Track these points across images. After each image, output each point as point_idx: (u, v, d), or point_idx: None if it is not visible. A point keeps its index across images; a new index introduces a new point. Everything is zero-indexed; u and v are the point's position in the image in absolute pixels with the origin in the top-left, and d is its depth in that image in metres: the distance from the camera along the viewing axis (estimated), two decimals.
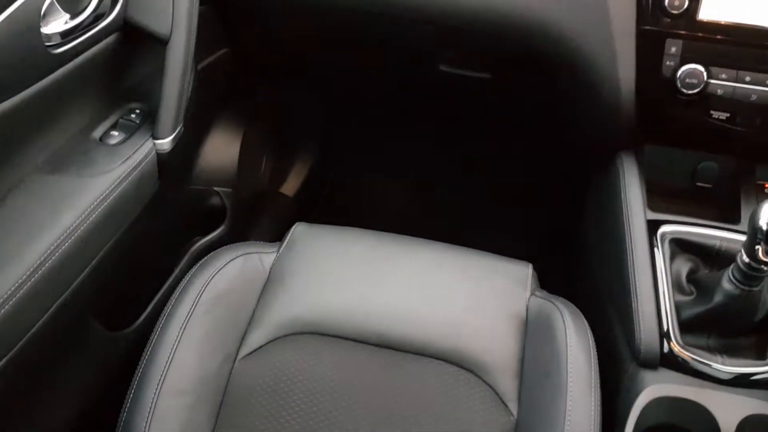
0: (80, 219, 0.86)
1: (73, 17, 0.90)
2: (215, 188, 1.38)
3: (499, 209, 1.70)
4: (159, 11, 0.98)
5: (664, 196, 1.13)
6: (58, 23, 0.87)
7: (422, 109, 1.54)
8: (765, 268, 0.88)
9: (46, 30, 0.85)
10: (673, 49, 1.00)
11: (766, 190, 1.11)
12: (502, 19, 1.07)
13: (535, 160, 1.60)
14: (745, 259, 0.88)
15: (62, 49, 0.87)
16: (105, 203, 0.90)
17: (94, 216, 0.88)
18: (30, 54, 0.82)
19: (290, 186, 1.72)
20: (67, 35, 0.88)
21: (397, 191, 1.76)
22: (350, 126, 1.72)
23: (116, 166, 0.95)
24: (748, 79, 0.99)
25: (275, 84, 1.52)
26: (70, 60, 0.90)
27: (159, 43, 0.99)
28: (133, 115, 1.05)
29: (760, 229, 0.83)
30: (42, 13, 0.83)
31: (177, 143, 1.04)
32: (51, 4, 0.86)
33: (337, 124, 1.70)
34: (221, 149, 1.38)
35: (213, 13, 1.15)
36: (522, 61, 1.15)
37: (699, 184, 1.15)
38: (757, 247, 0.85)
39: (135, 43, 1.02)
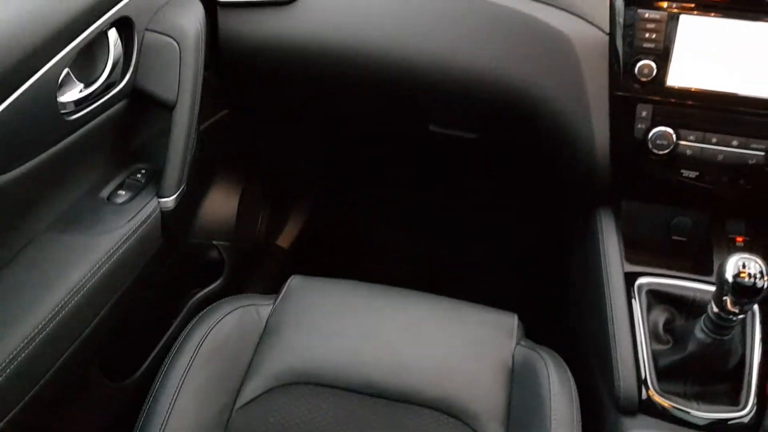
0: (89, 275, 0.91)
1: (86, 86, 0.97)
2: (214, 242, 1.44)
3: (488, 260, 1.76)
4: (166, 79, 1.05)
5: (642, 249, 1.19)
6: (73, 92, 0.94)
7: (414, 164, 1.61)
8: (734, 318, 0.93)
9: (61, 99, 0.92)
10: (644, 113, 1.08)
11: (737, 244, 1.18)
12: (489, 86, 1.15)
13: (520, 215, 1.67)
14: (715, 309, 0.94)
15: (76, 116, 0.94)
16: (112, 259, 0.96)
17: (102, 272, 0.93)
18: (46, 122, 0.89)
19: (286, 238, 1.78)
20: (80, 103, 0.95)
21: (390, 243, 1.82)
22: (345, 179, 1.79)
23: (122, 224, 1.00)
24: (714, 140, 1.07)
25: (273, 140, 1.59)
26: (82, 126, 0.96)
27: (165, 109, 1.06)
28: (138, 175, 1.11)
29: (726, 281, 0.89)
30: (59, 83, 0.90)
31: (180, 201, 1.10)
32: (67, 75, 0.93)
33: (332, 178, 1.77)
34: (221, 204, 1.44)
35: (215, 78, 1.22)
36: (506, 123, 1.23)
37: (674, 237, 1.21)
38: (724, 298, 0.91)
39: (142, 107, 1.09)
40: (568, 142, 1.14)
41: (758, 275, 0.89)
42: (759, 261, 0.90)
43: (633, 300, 1.09)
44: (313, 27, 1.17)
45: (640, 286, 1.11)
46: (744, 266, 0.89)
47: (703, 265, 1.15)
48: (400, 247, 1.80)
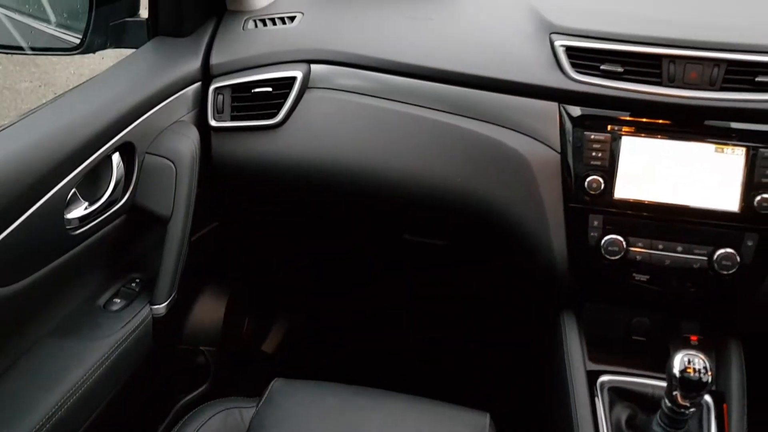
0: (83, 379, 0.98)
1: (90, 204, 1.07)
2: (201, 347, 1.50)
3: (462, 359, 1.82)
4: (163, 196, 1.16)
5: (604, 349, 1.26)
6: (78, 210, 1.05)
7: (389, 269, 1.71)
8: (686, 412, 1.00)
9: (68, 215, 1.02)
10: (596, 223, 1.19)
11: (692, 342, 1.26)
12: (457, 200, 1.26)
13: (490, 316, 1.75)
14: (668, 404, 1.01)
15: (79, 231, 1.04)
16: (105, 364, 1.03)
17: (95, 377, 1.00)
18: (53, 237, 0.98)
19: (271, 343, 1.84)
20: (84, 219, 1.05)
21: (370, 343, 1.88)
22: (326, 285, 1.87)
23: (116, 330, 1.08)
24: (660, 247, 1.17)
25: (259, 250, 1.69)
26: (85, 239, 1.06)
27: (161, 223, 1.16)
28: (133, 284, 1.20)
29: (674, 376, 0.97)
30: (66, 201, 1.01)
31: (171, 308, 1.18)
32: (73, 194, 1.03)
33: (313, 284, 1.85)
34: (208, 311, 1.51)
35: (207, 194, 1.33)
36: (473, 233, 1.33)
37: (634, 337, 1.29)
38: (674, 393, 0.99)
39: (140, 221, 1.19)
40: (530, 250, 1.24)
41: (702, 370, 0.97)
42: (702, 357, 0.98)
43: (596, 398, 1.16)
44: (298, 148, 1.30)
45: (602, 384, 1.18)
46: (689, 362, 0.97)
47: (660, 363, 1.21)
48: (380, 347, 1.87)
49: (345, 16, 1.38)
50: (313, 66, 1.30)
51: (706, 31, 1.18)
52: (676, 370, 0.97)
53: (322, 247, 1.64)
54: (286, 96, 1.28)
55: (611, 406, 1.16)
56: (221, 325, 1.53)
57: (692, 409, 1.00)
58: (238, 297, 1.63)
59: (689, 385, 0.97)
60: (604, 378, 1.19)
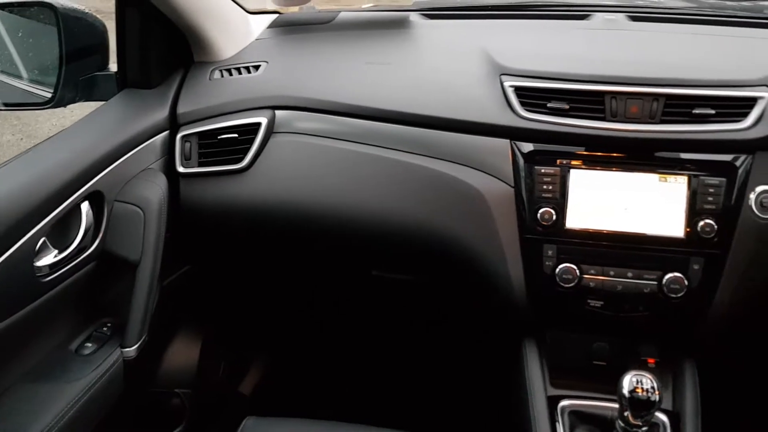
0: (56, 421, 1.00)
1: (60, 251, 1.11)
2: (176, 390, 1.52)
3: (431, 389, 1.85)
4: (132, 242, 1.20)
5: (566, 374, 1.30)
6: (48, 257, 1.08)
7: (360, 306, 1.75)
8: (639, 431, 1.04)
9: (38, 263, 1.05)
10: (550, 252, 1.24)
11: (649, 365, 1.30)
12: (420, 235, 1.31)
13: (456, 347, 1.79)
14: (621, 424, 1.05)
15: (49, 278, 1.07)
16: (75, 407, 1.05)
17: (68, 418, 1.02)
18: (23, 285, 1.02)
19: (248, 384, 1.86)
20: (54, 266, 1.09)
21: (345, 379, 1.91)
22: (300, 325, 1.90)
23: (88, 373, 1.11)
24: (612, 273, 1.22)
25: (232, 292, 1.72)
26: (56, 286, 1.09)
27: (130, 268, 1.20)
28: (105, 328, 1.23)
29: (623, 396, 1.01)
30: (36, 250, 1.04)
31: (142, 350, 1.21)
32: (43, 242, 1.07)
33: (288, 325, 1.88)
34: (183, 353, 1.54)
35: (177, 239, 1.37)
36: (437, 266, 1.38)
37: (595, 362, 1.33)
38: (625, 413, 1.03)
39: (110, 267, 1.23)
40: (490, 281, 1.29)
41: (650, 390, 1.01)
42: (650, 377, 1.03)
43: (557, 422, 1.19)
44: (264, 191, 1.35)
45: (563, 408, 1.22)
46: (638, 383, 1.02)
47: None
48: (355, 381, 1.89)
49: (307, 63, 1.44)
50: (278, 112, 1.37)
51: (645, 67, 1.25)
52: (625, 391, 1.02)
53: (293, 286, 1.68)
54: (251, 141, 1.34)
55: (572, 429, 1.19)
56: (196, 367, 1.55)
57: (644, 428, 1.04)
58: (213, 339, 1.66)
59: (638, 405, 1.01)
60: (564, 402, 1.23)
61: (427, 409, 1.71)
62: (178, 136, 1.35)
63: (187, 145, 1.35)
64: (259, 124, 1.34)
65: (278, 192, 1.34)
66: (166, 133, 1.34)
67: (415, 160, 1.30)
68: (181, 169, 1.35)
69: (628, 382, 1.02)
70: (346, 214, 1.32)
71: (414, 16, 1.59)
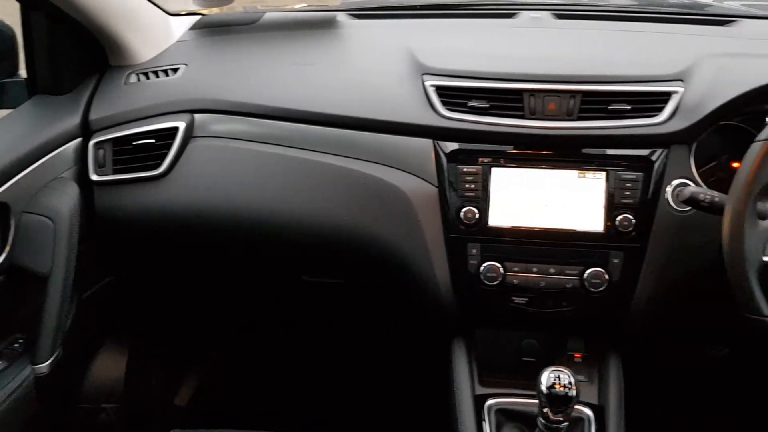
0: None
1: None
2: (102, 405, 1.47)
3: (366, 395, 1.84)
4: (41, 254, 1.15)
5: (496, 372, 1.30)
6: None
7: (291, 312, 1.72)
8: (560, 426, 1.05)
9: None
10: (474, 251, 1.24)
11: (575, 360, 1.31)
12: (347, 238, 1.29)
13: (389, 348, 1.78)
14: (542, 420, 1.05)
15: None
16: None
17: None
18: None
19: (184, 396, 1.81)
20: None
21: (281, 385, 1.88)
22: (232, 333, 1.87)
23: None
24: (535, 270, 1.23)
25: (160, 302, 1.68)
26: None
27: (41, 281, 1.16)
28: (16, 345, 1.18)
29: (542, 392, 1.01)
30: None
31: (56, 366, 1.16)
32: None
33: (220, 333, 1.85)
34: (107, 367, 1.49)
35: (95, 249, 1.33)
36: (365, 269, 1.37)
37: (524, 359, 1.33)
38: (545, 410, 1.03)
39: (20, 281, 1.18)
40: (416, 281, 1.28)
41: (568, 385, 1.01)
42: (568, 372, 1.03)
43: (483, 421, 1.19)
44: (185, 197, 1.31)
45: (489, 407, 1.22)
46: (555, 378, 1.02)
47: None
48: (290, 387, 1.87)
49: (229, 65, 1.41)
50: (197, 115, 1.33)
51: (563, 65, 1.26)
52: (543, 387, 1.02)
53: (222, 294, 1.64)
54: (169, 147, 1.30)
55: (499, 427, 1.19)
56: (123, 381, 1.51)
57: (565, 423, 1.04)
58: (143, 350, 1.61)
59: (556, 400, 1.01)
60: (491, 401, 1.23)
61: (363, 412, 1.69)
62: (91, 143, 1.30)
63: (101, 152, 1.31)
64: (176, 129, 1.30)
65: (198, 198, 1.31)
66: (78, 140, 1.30)
67: (339, 162, 1.28)
68: (94, 178, 1.30)
69: (546, 378, 1.02)
70: (270, 220, 1.30)
71: (341, 16, 1.57)
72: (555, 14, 1.52)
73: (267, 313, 1.73)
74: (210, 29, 1.55)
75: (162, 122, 1.31)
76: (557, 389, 1.01)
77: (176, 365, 1.83)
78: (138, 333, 1.60)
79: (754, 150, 0.99)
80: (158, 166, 1.30)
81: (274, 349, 1.86)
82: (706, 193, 1.09)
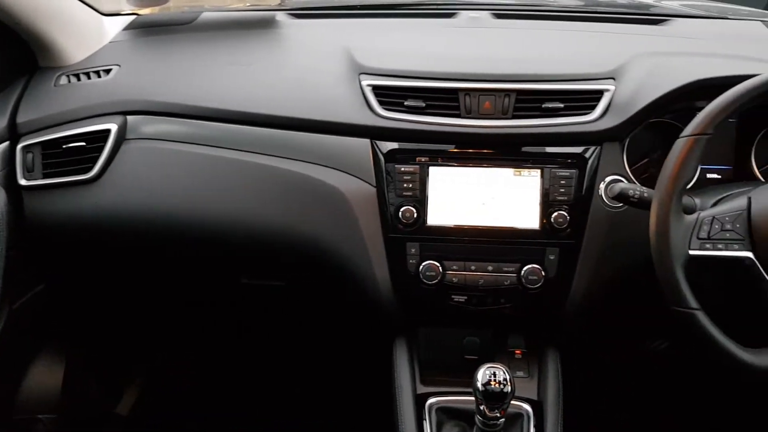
0: None
1: None
2: (39, 415, 1.43)
3: (311, 396, 1.83)
4: None
5: (438, 371, 1.31)
6: None
7: (232, 315, 1.70)
8: (497, 422, 1.05)
9: None
10: (413, 250, 1.24)
11: (516, 356, 1.32)
12: (284, 239, 1.28)
13: (333, 350, 1.78)
14: (479, 417, 1.05)
15: None
16: None
17: None
18: None
19: (126, 404, 1.78)
20: None
21: (218, 395, 1.86)
22: (174, 339, 1.84)
23: None
24: (473, 267, 1.24)
25: (97, 308, 1.64)
26: None
27: None
28: None
29: (477, 389, 1.02)
30: None
31: None
32: None
33: (162, 339, 1.81)
34: (43, 377, 1.45)
35: (23, 256, 1.28)
36: (305, 270, 1.35)
37: (467, 357, 1.34)
38: (481, 407, 1.03)
39: None
40: (356, 281, 1.27)
41: (503, 381, 1.02)
42: (503, 369, 1.04)
43: (424, 420, 1.19)
44: (118, 201, 1.28)
45: (430, 406, 1.22)
46: (491, 375, 1.03)
47: None
48: (235, 393, 1.85)
49: (164, 65, 1.39)
50: (130, 117, 1.30)
51: (498, 64, 1.27)
52: (479, 384, 1.02)
53: (160, 299, 1.61)
54: (101, 149, 1.27)
55: (440, 426, 1.20)
56: (60, 390, 1.46)
57: (502, 420, 1.05)
58: (81, 358, 1.57)
59: (492, 397, 1.02)
60: (432, 400, 1.23)
61: (308, 414, 1.68)
62: (19, 146, 1.27)
63: (29, 156, 1.27)
64: (108, 131, 1.27)
65: (132, 202, 1.28)
66: (5, 144, 1.26)
67: (276, 162, 1.27)
68: (23, 182, 1.26)
69: (482, 375, 1.03)
70: (206, 222, 1.28)
71: (281, 16, 1.55)
72: (494, 14, 1.54)
73: (207, 318, 1.70)
74: (145, 29, 1.52)
75: (93, 125, 1.28)
76: (493, 386, 1.02)
77: (117, 373, 1.79)
78: (75, 340, 1.56)
79: (678, 146, 1.01)
80: (89, 169, 1.26)
81: (216, 354, 1.84)
82: (635, 189, 1.11)
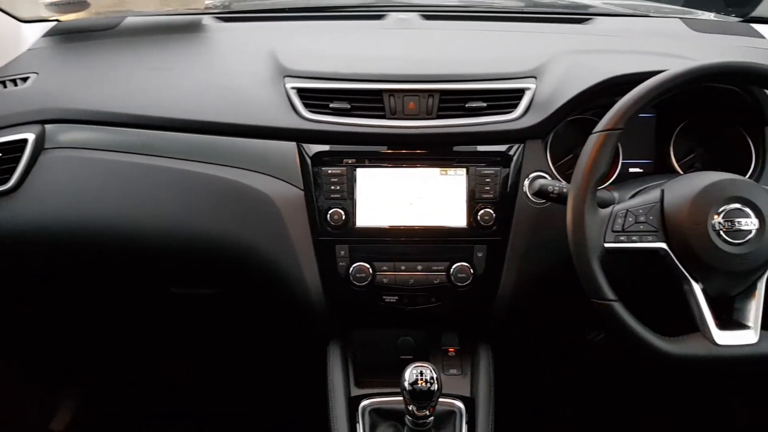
0: None
1: None
2: None
3: (248, 400, 1.82)
4: None
5: (373, 372, 1.31)
6: None
7: (164, 326, 1.67)
8: (426, 421, 1.06)
9: None
10: (342, 253, 1.24)
11: (450, 354, 1.33)
12: (212, 246, 1.26)
13: (269, 355, 1.77)
14: (408, 416, 1.06)
15: None
16: None
17: None
18: None
19: (62, 419, 1.73)
20: None
21: (155, 407, 1.83)
22: (107, 351, 1.80)
23: None
24: (403, 267, 1.24)
25: (25, 322, 1.59)
26: None
27: None
28: None
29: (405, 389, 1.02)
30: None
31: None
32: None
33: (95, 352, 1.77)
34: None
35: None
36: (234, 277, 1.34)
37: (402, 357, 1.34)
38: (410, 407, 1.04)
39: None
40: (286, 286, 1.27)
41: (430, 380, 1.03)
42: (431, 367, 1.05)
43: (357, 423, 1.19)
44: (37, 212, 1.24)
45: (364, 408, 1.22)
46: (418, 374, 1.03)
47: None
48: (174, 404, 1.82)
49: (84, 71, 1.36)
50: (48, 126, 1.27)
51: (421, 65, 1.28)
52: (406, 383, 1.03)
53: (90, 310, 1.57)
54: (18, 160, 1.23)
55: (373, 427, 1.20)
56: None
57: (431, 418, 1.06)
58: (14, 373, 1.52)
59: (419, 396, 1.02)
60: (366, 402, 1.23)
61: (244, 420, 1.66)
62: None
63: None
64: (25, 141, 1.23)
65: (53, 213, 1.25)
66: None
67: (202, 168, 1.25)
68: None
69: (409, 374, 1.04)
70: (130, 232, 1.25)
71: (207, 20, 1.53)
72: (423, 15, 1.55)
73: (139, 329, 1.67)
74: (65, 36, 1.48)
75: (9, 134, 1.24)
76: (420, 385, 1.02)
77: (52, 388, 1.74)
78: (6, 355, 1.51)
79: (591, 141, 1.04)
80: (6, 181, 1.23)
81: (151, 367, 1.80)
82: (554, 184, 1.13)
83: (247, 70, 1.33)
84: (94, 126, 1.27)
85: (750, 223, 1.00)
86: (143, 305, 1.52)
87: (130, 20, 1.53)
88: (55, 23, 1.53)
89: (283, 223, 1.24)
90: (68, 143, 1.26)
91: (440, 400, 1.10)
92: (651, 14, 1.70)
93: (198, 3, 1.62)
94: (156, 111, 1.27)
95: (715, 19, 1.68)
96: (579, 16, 1.57)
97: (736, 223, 1.00)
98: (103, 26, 1.50)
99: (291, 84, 1.25)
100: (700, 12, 1.75)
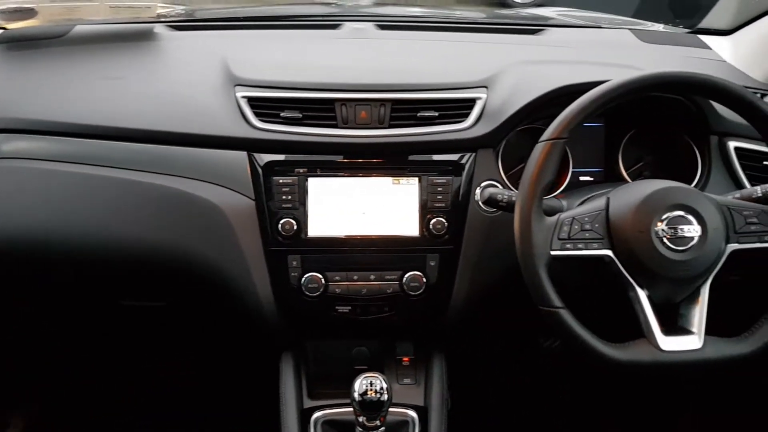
0: None
1: None
2: None
3: (202, 414, 1.80)
4: None
5: (327, 383, 1.30)
6: None
7: (114, 339, 1.64)
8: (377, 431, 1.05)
9: None
10: (294, 263, 1.23)
11: (404, 363, 1.33)
12: (159, 257, 1.24)
13: (223, 368, 1.75)
14: (359, 428, 1.05)
15: None
16: None
17: None
18: None
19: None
20: None
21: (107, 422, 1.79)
22: (57, 367, 1.76)
23: None
24: (356, 277, 1.23)
25: None
26: None
27: None
28: None
29: (354, 399, 1.01)
30: None
31: None
32: None
33: (44, 368, 1.73)
34: None
35: None
36: (184, 288, 1.32)
37: (356, 367, 1.33)
38: (360, 418, 1.03)
39: None
40: (237, 297, 1.25)
41: (380, 391, 1.02)
42: (381, 378, 1.04)
43: None
44: None
45: (316, 420, 1.21)
46: (368, 385, 1.02)
47: None
48: (123, 420, 1.79)
49: (29, 81, 1.32)
50: None
51: (373, 74, 1.28)
52: (356, 394, 1.02)
53: (35, 325, 1.53)
54: None
55: None
56: None
57: (382, 429, 1.05)
58: None
59: (369, 406, 1.02)
60: (318, 414, 1.22)
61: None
62: None
63: None
64: None
65: None
66: None
67: (151, 179, 1.23)
68: None
69: (359, 385, 1.03)
70: (77, 243, 1.23)
71: (159, 28, 1.51)
72: (378, 25, 1.55)
73: (89, 343, 1.63)
74: (12, 44, 1.44)
75: None
76: (369, 395, 1.02)
77: (6, 401, 1.69)
78: None
79: (537, 150, 1.05)
80: None
81: (102, 380, 1.76)
82: (503, 193, 1.14)
83: (197, 79, 1.31)
84: (38, 136, 1.24)
85: (692, 230, 1.02)
86: (94, 317, 1.49)
87: (80, 28, 1.50)
88: (1, 31, 1.49)
89: (233, 233, 1.22)
90: (11, 153, 1.23)
91: (393, 409, 1.09)
92: (603, 25, 1.73)
93: (150, 12, 1.60)
94: (104, 120, 1.25)
95: (664, 30, 1.72)
96: (532, 27, 1.59)
97: (678, 230, 1.01)
98: (52, 34, 1.47)
99: (241, 93, 1.24)
100: (649, 23, 1.79)
